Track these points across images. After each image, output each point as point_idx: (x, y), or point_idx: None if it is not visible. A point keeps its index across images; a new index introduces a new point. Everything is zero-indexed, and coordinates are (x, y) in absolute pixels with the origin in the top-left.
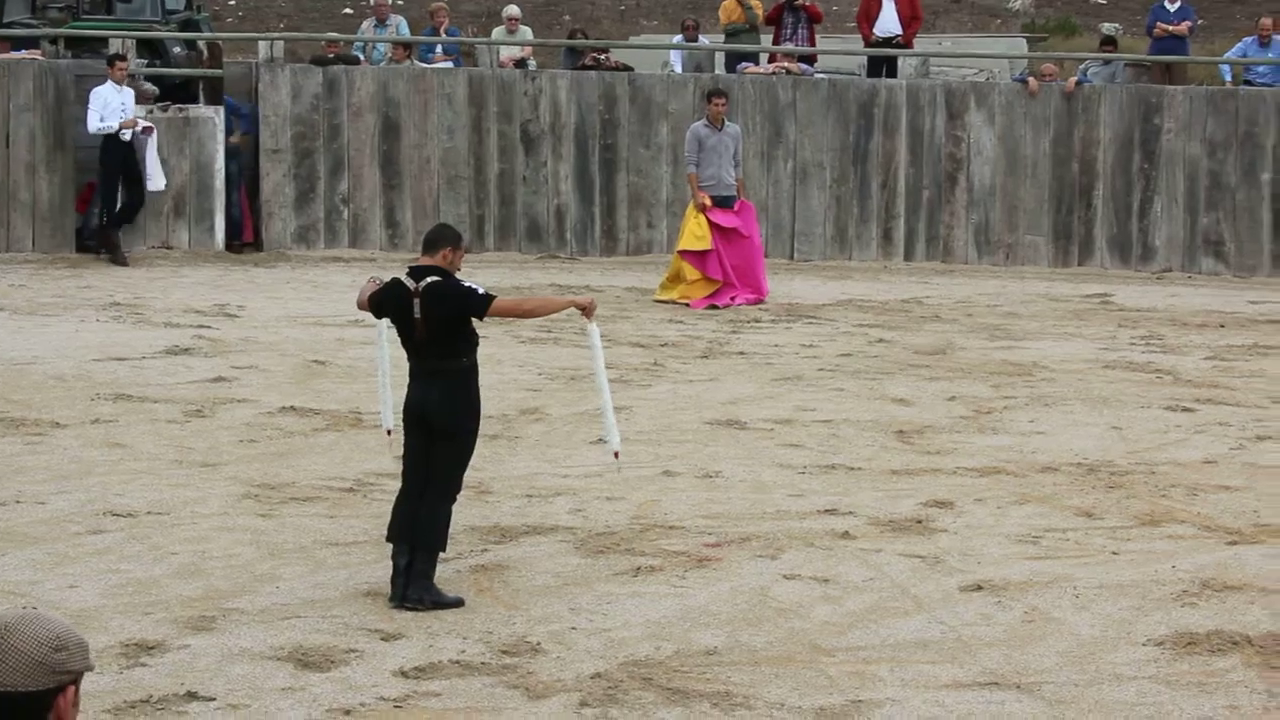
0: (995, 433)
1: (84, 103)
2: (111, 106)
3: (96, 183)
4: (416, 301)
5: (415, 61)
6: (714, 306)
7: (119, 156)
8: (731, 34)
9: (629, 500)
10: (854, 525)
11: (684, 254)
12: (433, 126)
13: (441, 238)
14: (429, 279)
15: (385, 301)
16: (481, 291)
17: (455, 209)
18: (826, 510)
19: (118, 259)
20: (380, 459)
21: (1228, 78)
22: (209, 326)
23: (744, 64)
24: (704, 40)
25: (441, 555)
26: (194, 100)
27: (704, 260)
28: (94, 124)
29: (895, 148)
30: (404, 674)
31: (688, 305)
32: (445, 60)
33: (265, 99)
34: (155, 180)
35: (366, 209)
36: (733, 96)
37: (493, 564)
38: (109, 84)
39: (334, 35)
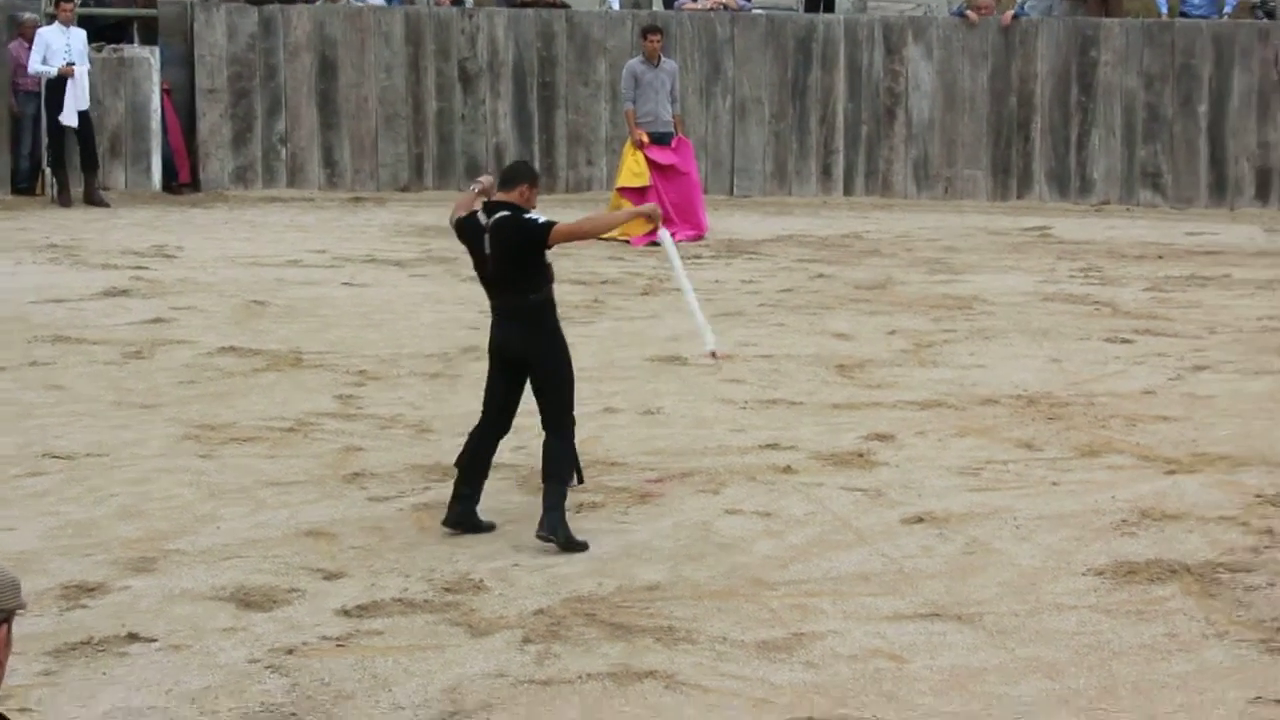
0: (935, 366)
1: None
2: (54, 49)
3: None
4: (487, 237)
5: (352, 0)
6: (654, 244)
7: (58, 101)
8: None
9: None
10: (795, 459)
11: (622, 191)
12: (370, 65)
13: (518, 174)
14: (499, 214)
15: (464, 234)
16: (542, 220)
17: (394, 148)
18: (768, 445)
19: (97, 200)
20: (320, 399)
21: (1164, 10)
22: (147, 268)
23: (682, 0)
24: None
25: (383, 494)
26: (129, 40)
27: (643, 196)
28: (34, 66)
29: (834, 83)
30: (346, 613)
31: (628, 242)
32: None
33: (201, 39)
34: (67, 116)
35: (304, 149)
36: (670, 33)
37: (435, 502)
38: (55, 25)
39: None
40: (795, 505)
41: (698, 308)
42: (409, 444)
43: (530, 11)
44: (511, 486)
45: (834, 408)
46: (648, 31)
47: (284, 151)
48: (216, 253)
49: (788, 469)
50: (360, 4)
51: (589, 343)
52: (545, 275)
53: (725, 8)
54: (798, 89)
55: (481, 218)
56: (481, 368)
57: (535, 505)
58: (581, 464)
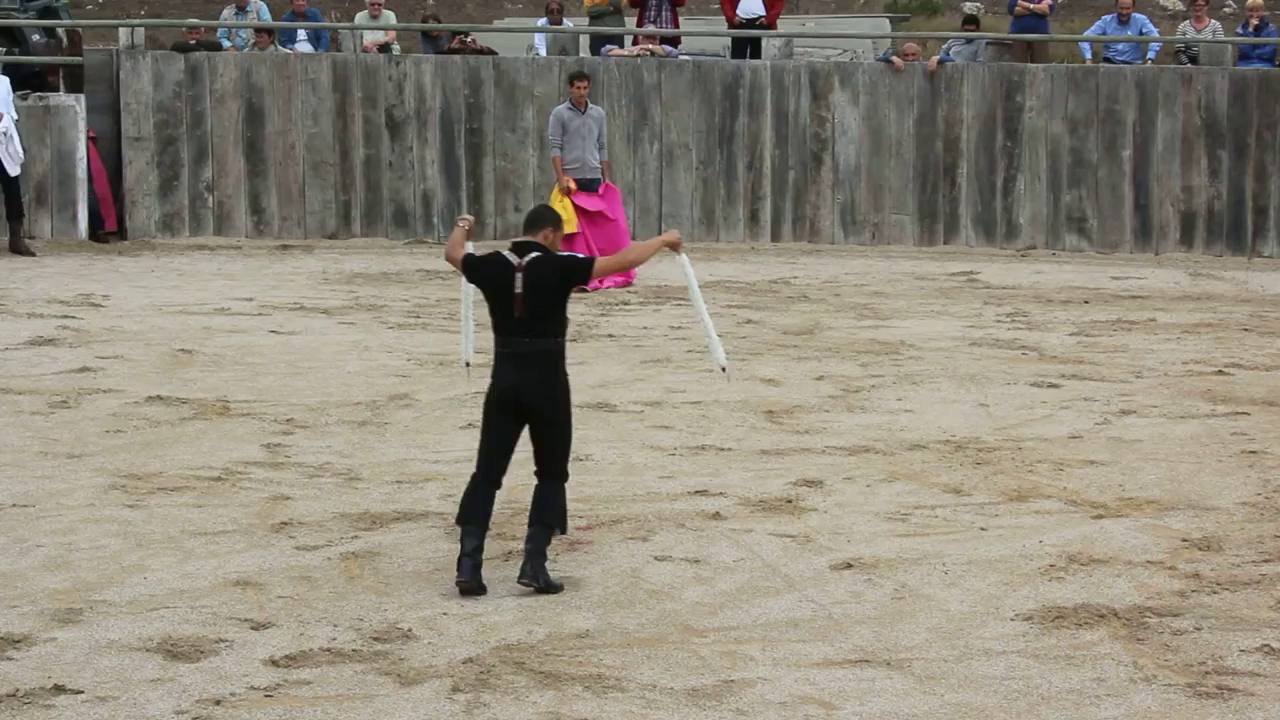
0: (864, 411)
1: None
2: None
3: None
4: (519, 276)
5: (278, 47)
6: (582, 290)
7: None
8: (595, 16)
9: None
10: (724, 506)
11: None
12: (297, 112)
13: (542, 217)
14: (533, 254)
15: (483, 271)
16: (582, 255)
17: (321, 195)
18: (697, 491)
19: (22, 249)
20: (248, 448)
21: (1088, 55)
22: (73, 316)
23: (608, 46)
24: (568, 23)
25: (312, 544)
26: (54, 89)
27: (570, 244)
28: None
29: (761, 129)
30: (274, 663)
31: None
32: (307, 44)
33: (127, 86)
34: (10, 166)
35: (231, 196)
36: (598, 79)
37: (363, 550)
38: None
39: (195, 21)
40: (724, 552)
41: (711, 325)
42: (337, 493)
43: (458, 58)
44: (440, 534)
45: (763, 454)
46: (575, 78)
47: (211, 199)
48: (143, 301)
49: (717, 515)
50: (287, 51)
51: None
52: (566, 322)
53: (652, 54)
54: (725, 135)
55: (511, 257)
56: (411, 416)
57: None
58: (504, 512)
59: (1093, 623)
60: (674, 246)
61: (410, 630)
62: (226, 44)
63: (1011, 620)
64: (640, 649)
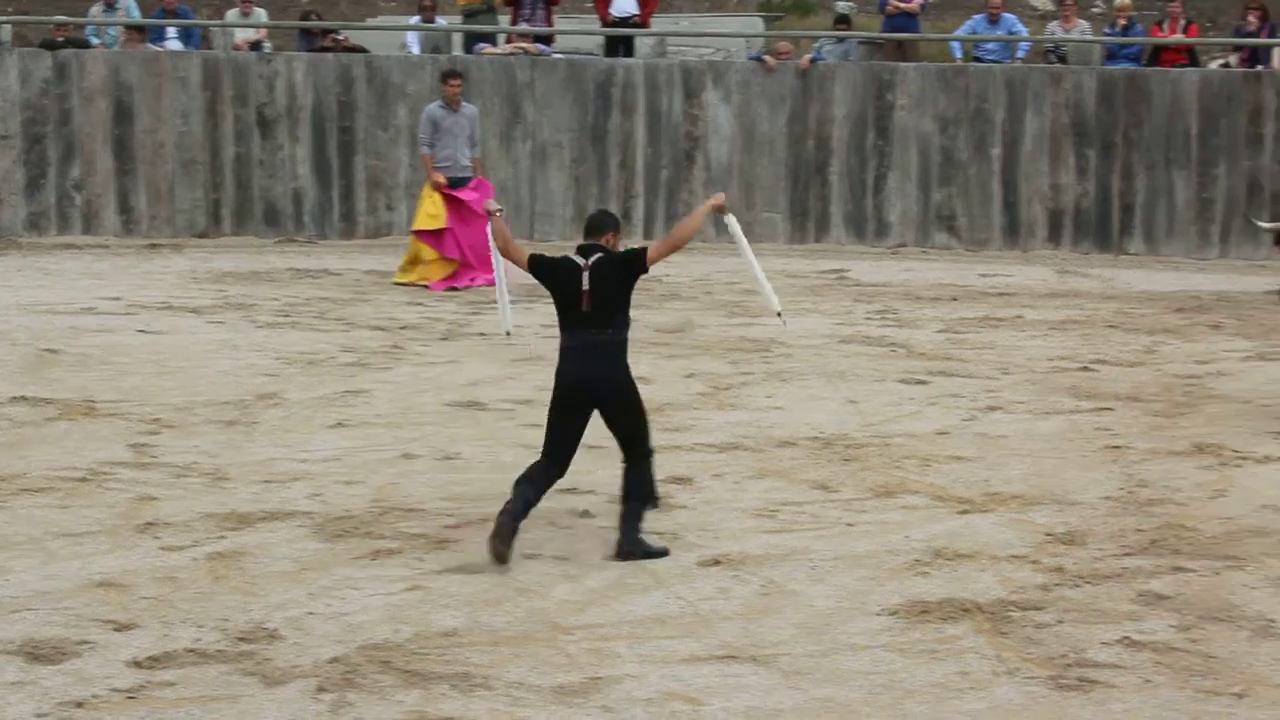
0: (734, 409)
1: None
2: None
3: None
4: (586, 274)
5: (148, 44)
6: (454, 288)
7: None
8: (469, 15)
9: (367, 484)
10: (594, 503)
11: (419, 234)
12: (166, 111)
13: (604, 223)
14: (597, 255)
15: (551, 273)
16: (636, 247)
17: (191, 193)
18: (566, 489)
19: None
20: (114, 448)
21: (958, 55)
22: None
23: (481, 44)
24: (441, 21)
25: (177, 544)
26: None
27: (439, 240)
28: None
29: (634, 127)
30: (138, 664)
31: (427, 288)
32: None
33: None
34: None
35: (100, 195)
36: (470, 77)
37: (229, 550)
38: None
39: (63, 19)
40: (593, 549)
41: (764, 278)
42: (204, 493)
43: (329, 56)
44: (307, 534)
45: None
46: (447, 76)
47: (79, 198)
48: (9, 300)
49: (586, 513)
50: (157, 49)
51: (387, 389)
52: (629, 315)
53: (525, 52)
54: (598, 133)
55: (578, 259)
56: (279, 415)
57: (332, 553)
58: (372, 511)
59: (957, 617)
60: (719, 209)
61: (276, 630)
62: (95, 41)
63: (877, 615)
64: (508, 647)
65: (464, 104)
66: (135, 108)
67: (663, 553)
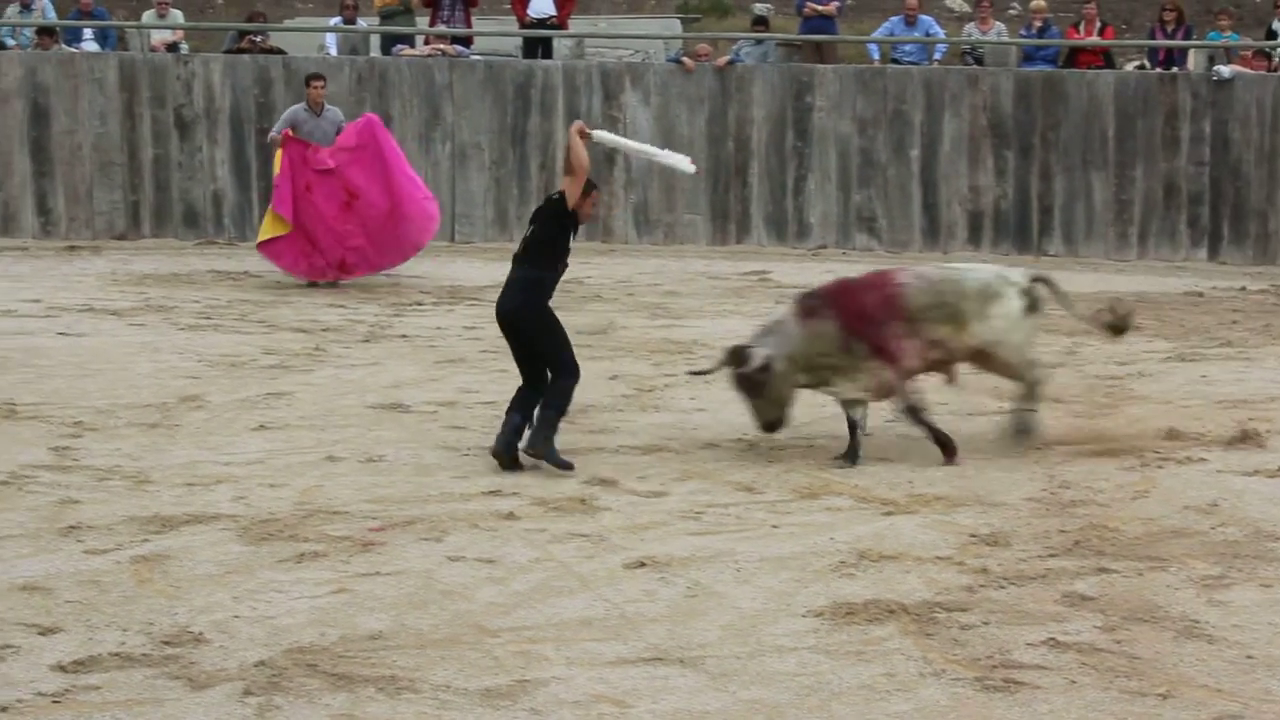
0: (657, 410)
1: None
2: None
3: None
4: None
5: (63, 46)
6: (314, 283)
7: None
8: (386, 16)
9: (291, 487)
10: (518, 506)
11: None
12: (83, 112)
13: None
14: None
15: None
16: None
17: (109, 195)
18: (490, 492)
19: None
20: (35, 451)
21: (876, 56)
22: None
23: (400, 46)
24: (361, 23)
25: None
26: None
27: (279, 194)
28: None
29: (553, 128)
30: (62, 668)
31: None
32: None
33: None
34: None
35: (17, 197)
36: (389, 79)
37: (153, 554)
38: None
39: None
40: (518, 552)
41: (658, 149)
42: (127, 495)
43: (247, 57)
44: (232, 537)
45: None
46: (311, 78)
47: None
48: None
49: (511, 515)
50: (73, 50)
51: (310, 391)
52: (557, 254)
53: (444, 54)
54: (517, 135)
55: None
56: (202, 418)
57: (256, 555)
58: (296, 514)
59: (883, 618)
60: (584, 135)
61: (201, 634)
62: (10, 42)
63: (803, 617)
64: (434, 650)
65: (328, 107)
66: (52, 109)
67: (568, 466)
